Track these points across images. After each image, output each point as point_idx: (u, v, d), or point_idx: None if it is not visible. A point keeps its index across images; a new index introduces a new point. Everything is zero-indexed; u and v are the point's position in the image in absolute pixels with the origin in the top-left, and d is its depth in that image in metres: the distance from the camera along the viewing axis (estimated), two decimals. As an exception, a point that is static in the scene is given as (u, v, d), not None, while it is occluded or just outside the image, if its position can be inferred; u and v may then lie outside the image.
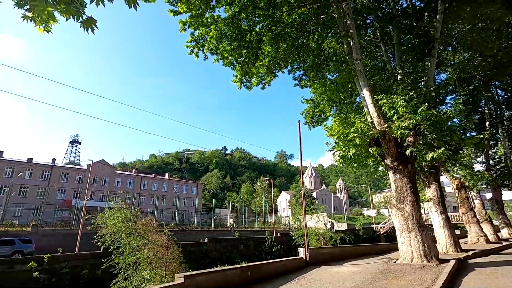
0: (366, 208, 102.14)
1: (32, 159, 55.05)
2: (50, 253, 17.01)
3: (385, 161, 10.46)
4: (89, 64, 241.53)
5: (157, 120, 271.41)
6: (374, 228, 39.92)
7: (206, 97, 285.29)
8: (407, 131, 8.94)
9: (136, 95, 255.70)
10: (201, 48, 12.76)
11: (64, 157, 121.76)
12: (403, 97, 8.99)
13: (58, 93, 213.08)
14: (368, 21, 15.75)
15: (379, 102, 9.74)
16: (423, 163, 12.91)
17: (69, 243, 26.01)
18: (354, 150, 10.08)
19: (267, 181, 63.21)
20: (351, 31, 10.93)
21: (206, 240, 23.60)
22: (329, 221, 38.91)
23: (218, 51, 12.16)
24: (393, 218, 9.96)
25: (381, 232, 37.98)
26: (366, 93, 10.50)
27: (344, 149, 10.41)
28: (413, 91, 9.03)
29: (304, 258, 9.79)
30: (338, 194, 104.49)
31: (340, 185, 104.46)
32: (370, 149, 9.92)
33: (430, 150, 9.18)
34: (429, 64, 10.66)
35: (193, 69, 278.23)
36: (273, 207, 41.76)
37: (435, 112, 8.67)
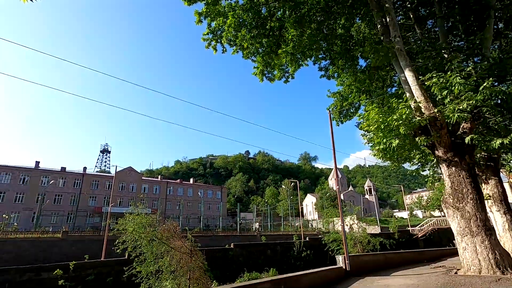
0: (397, 210, 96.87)
1: (65, 168, 57.61)
2: (78, 259, 16.87)
3: (436, 152, 8.90)
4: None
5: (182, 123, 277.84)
6: (411, 231, 36.96)
7: (227, 104, 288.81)
8: (465, 115, 7.40)
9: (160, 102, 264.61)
10: (219, 40, 11.92)
11: (96, 166, 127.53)
12: (458, 74, 7.47)
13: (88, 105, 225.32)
14: (397, 4, 14.21)
15: (427, 82, 8.27)
16: (478, 155, 11.11)
17: (97, 249, 26.22)
18: (397, 141, 8.65)
19: (292, 184, 61.52)
20: (387, 5, 9.56)
21: (232, 246, 22.69)
22: (346, 224, 35.26)
23: (237, 41, 11.24)
24: (450, 219, 8.37)
25: (419, 236, 35.00)
26: (409, 74, 9.05)
27: (385, 140, 9.00)
28: (471, 67, 7.49)
29: (344, 267, 8.46)
30: (366, 196, 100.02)
31: (368, 186, 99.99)
32: (417, 138, 8.44)
33: (496, 136, 7.55)
34: (484, 35, 9.00)
35: (212, 73, 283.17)
36: (300, 210, 40.08)
37: (503, 89, 7.08)
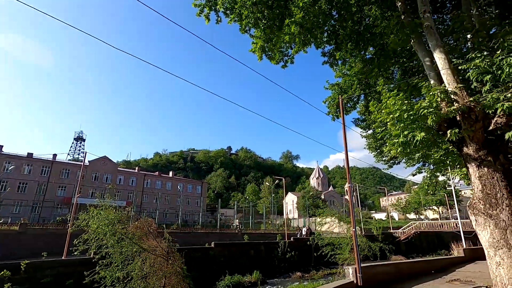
0: (374, 211, 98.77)
1: (32, 154, 53.16)
2: (37, 256, 14.57)
3: (465, 149, 7.63)
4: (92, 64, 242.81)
5: (162, 117, 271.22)
6: (393, 234, 36.80)
7: (210, 98, 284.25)
8: (514, 105, 6.12)
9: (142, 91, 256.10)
10: (213, 7, 10.12)
11: (68, 154, 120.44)
12: (510, 54, 6.19)
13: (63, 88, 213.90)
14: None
15: (462, 66, 6.96)
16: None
17: (61, 244, 23.58)
18: (423, 134, 7.30)
19: (276, 181, 60.39)
20: (416, -27, 8.16)
21: (212, 245, 20.98)
22: (304, 227, 34.94)
23: (236, 7, 9.49)
24: (480, 228, 7.13)
25: (402, 239, 34.88)
26: (439, 56, 7.71)
27: (406, 132, 7.65)
28: (521, 47, 6.23)
29: (355, 282, 7.03)
30: (346, 196, 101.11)
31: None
32: (449, 132, 7.11)
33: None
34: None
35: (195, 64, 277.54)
36: (285, 209, 38.91)
37: None
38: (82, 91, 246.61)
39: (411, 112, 7.36)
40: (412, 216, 75.90)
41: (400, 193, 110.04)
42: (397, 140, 7.97)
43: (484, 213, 7.06)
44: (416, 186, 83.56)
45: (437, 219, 59.09)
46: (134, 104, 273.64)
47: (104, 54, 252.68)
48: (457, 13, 7.96)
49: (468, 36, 8.47)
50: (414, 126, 7.74)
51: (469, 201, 7.62)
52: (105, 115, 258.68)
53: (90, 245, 9.91)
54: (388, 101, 8.14)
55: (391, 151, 8.52)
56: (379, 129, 9.01)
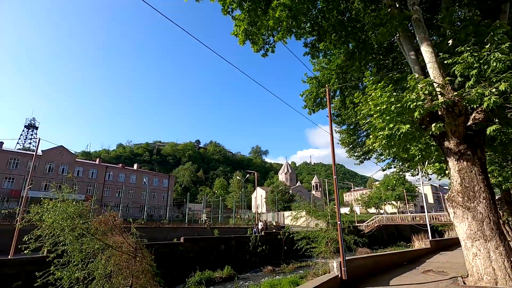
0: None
1: (-27, 141, 47.20)
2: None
3: (446, 143, 7.77)
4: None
5: (127, 108, 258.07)
6: (358, 227, 38.44)
7: (180, 90, 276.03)
8: (500, 100, 6.24)
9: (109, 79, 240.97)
10: (194, -18, 9.27)
11: (18, 143, 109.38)
12: (497, 49, 6.27)
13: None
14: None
15: (450, 60, 6.97)
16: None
17: (6, 242, 21.04)
18: (407, 126, 7.28)
19: (248, 175, 60.03)
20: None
21: (182, 240, 20.07)
22: (260, 221, 37.39)
23: (220, -17, 8.76)
24: (458, 221, 7.30)
25: (366, 232, 36.54)
26: (426, 50, 7.72)
27: (391, 125, 7.58)
28: (507, 44, 6.34)
29: (340, 275, 6.84)
30: (312, 191, 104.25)
31: (315, 182, 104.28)
32: (433, 125, 7.14)
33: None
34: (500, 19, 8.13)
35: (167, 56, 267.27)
36: (254, 203, 38.74)
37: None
38: (37, 75, 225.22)
39: (398, 105, 7.28)
40: (372, 210, 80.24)
41: (362, 188, 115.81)
42: (382, 132, 7.89)
43: (462, 206, 7.22)
44: (377, 182, 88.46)
45: (395, 213, 63.12)
46: (95, 92, 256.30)
47: (61, 33, 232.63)
48: (446, 7, 7.96)
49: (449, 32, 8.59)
50: (399, 119, 7.69)
51: (447, 194, 7.80)
52: (62, 103, 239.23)
53: (43, 242, 8.70)
54: (373, 93, 8.04)
55: (375, 144, 8.45)
56: (363, 121, 8.90)
